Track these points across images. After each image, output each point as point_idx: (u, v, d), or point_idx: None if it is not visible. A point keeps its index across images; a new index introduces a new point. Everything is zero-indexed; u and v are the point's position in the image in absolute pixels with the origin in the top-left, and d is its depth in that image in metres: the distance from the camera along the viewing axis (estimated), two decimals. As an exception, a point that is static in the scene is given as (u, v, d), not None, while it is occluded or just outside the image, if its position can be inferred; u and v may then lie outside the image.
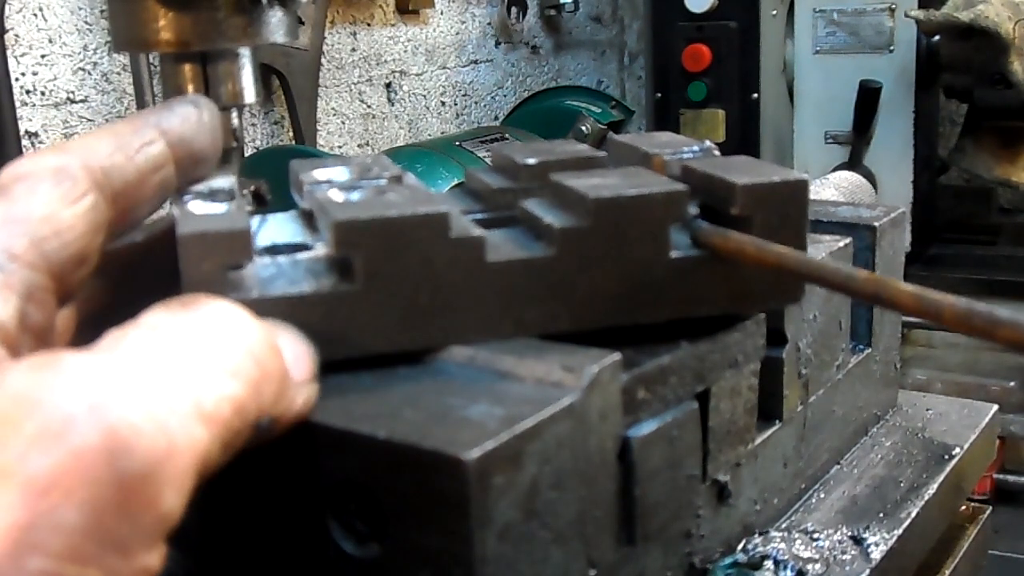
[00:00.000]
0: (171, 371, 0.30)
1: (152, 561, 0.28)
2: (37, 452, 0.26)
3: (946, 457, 0.66)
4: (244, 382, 0.32)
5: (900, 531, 0.57)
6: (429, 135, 2.55)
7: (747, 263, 0.44)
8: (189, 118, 0.42)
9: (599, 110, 2.48)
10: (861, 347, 0.66)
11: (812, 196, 0.50)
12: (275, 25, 0.56)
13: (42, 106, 1.76)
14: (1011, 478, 2.28)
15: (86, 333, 0.37)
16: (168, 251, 0.40)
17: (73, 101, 1.80)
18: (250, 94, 0.58)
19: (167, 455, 0.28)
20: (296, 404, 0.35)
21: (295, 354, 0.36)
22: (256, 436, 0.33)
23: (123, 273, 0.44)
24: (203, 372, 0.31)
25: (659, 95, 2.64)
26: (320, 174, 0.48)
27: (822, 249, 0.59)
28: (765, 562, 0.53)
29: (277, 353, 0.34)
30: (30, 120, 1.74)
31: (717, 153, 0.54)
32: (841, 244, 0.60)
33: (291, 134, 2.15)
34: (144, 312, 0.32)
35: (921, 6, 2.22)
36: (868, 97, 2.27)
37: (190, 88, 0.57)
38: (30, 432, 0.26)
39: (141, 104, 1.83)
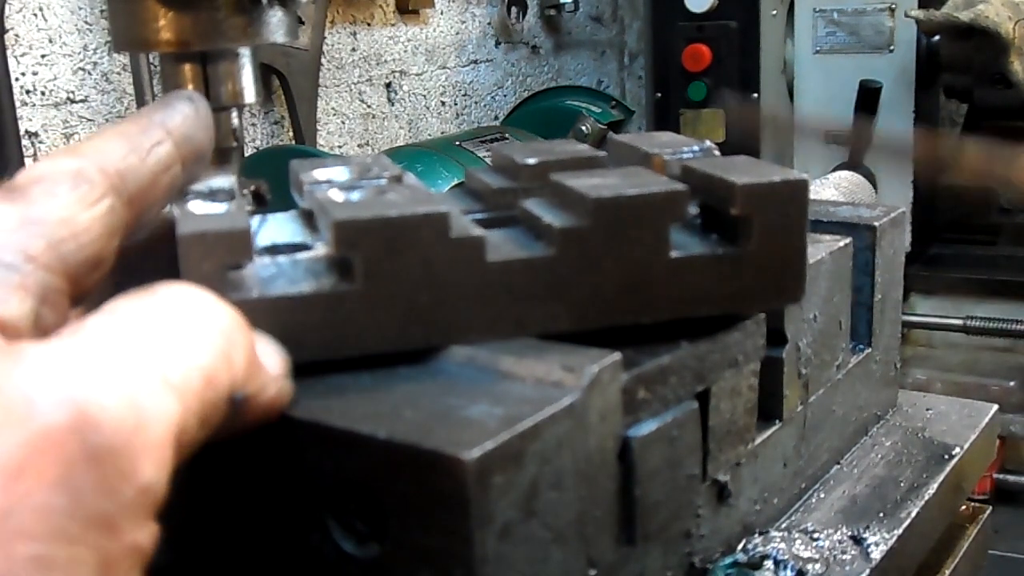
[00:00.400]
0: (133, 347, 0.30)
1: (142, 538, 0.28)
2: (3, 438, 0.26)
3: (946, 457, 0.66)
4: (211, 352, 0.32)
5: (900, 531, 0.57)
6: (429, 135, 2.55)
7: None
8: (189, 115, 0.42)
9: (599, 110, 2.49)
10: (861, 347, 0.66)
11: (812, 196, 0.50)
12: (275, 25, 0.56)
13: (42, 106, 1.76)
14: (1011, 478, 2.28)
15: None
16: (169, 250, 0.40)
17: (73, 101, 1.80)
18: (250, 94, 0.58)
19: (137, 426, 0.28)
20: (270, 389, 0.36)
21: (266, 349, 0.36)
22: (234, 414, 0.33)
23: (124, 273, 0.44)
24: (167, 345, 0.31)
25: (659, 95, 2.64)
26: (320, 174, 0.48)
27: (822, 249, 0.59)
28: (765, 562, 0.53)
29: (242, 327, 0.34)
30: (30, 120, 1.74)
31: (717, 153, 0.54)
32: (841, 244, 0.60)
33: (291, 134, 2.15)
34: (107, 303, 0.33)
35: (921, 6, 2.22)
36: (868, 97, 2.27)
37: (190, 87, 0.57)
38: None
39: (141, 104, 1.83)
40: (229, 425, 0.33)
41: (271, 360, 0.36)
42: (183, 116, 0.42)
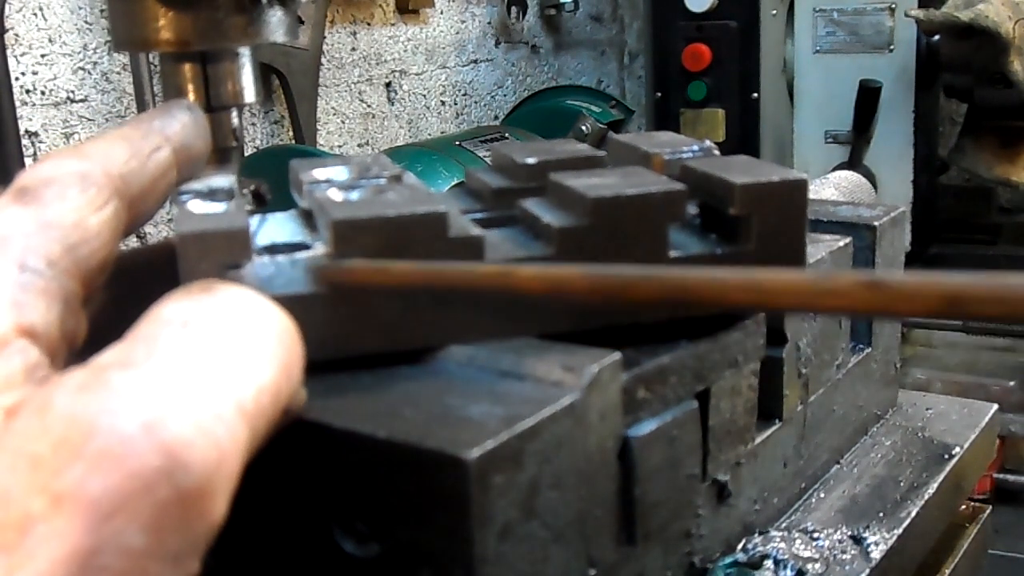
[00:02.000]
0: (211, 372, 0.30)
1: (197, 567, 0.28)
2: (98, 476, 0.26)
3: (946, 457, 0.66)
4: (276, 368, 0.31)
5: (900, 531, 0.57)
6: (429, 135, 2.55)
7: (374, 290, 0.41)
8: (188, 123, 0.43)
9: (599, 110, 2.49)
10: (861, 347, 0.66)
11: (812, 195, 0.50)
12: (275, 25, 0.56)
13: (42, 106, 1.76)
14: (1011, 478, 2.28)
15: (93, 335, 0.37)
16: (167, 250, 0.40)
17: (73, 101, 1.80)
18: (250, 94, 0.58)
19: (218, 464, 0.28)
20: (303, 395, 0.35)
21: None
22: (282, 422, 0.33)
23: (121, 273, 0.44)
24: (240, 367, 0.30)
25: (659, 95, 2.64)
26: (320, 173, 0.47)
27: (822, 249, 0.59)
28: (765, 562, 0.53)
29: (297, 335, 0.33)
30: (30, 120, 1.74)
31: (717, 153, 0.54)
32: (841, 244, 0.60)
33: (291, 134, 2.15)
34: (164, 300, 0.32)
35: (921, 6, 2.22)
36: (868, 97, 2.28)
37: (190, 88, 0.57)
38: (89, 456, 0.26)
39: (141, 104, 1.83)
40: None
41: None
42: (182, 124, 0.42)
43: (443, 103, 2.64)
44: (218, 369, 0.30)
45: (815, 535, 0.56)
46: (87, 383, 0.28)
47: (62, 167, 0.36)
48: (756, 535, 0.55)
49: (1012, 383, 2.30)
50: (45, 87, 1.76)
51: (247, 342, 0.31)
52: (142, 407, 0.28)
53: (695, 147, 0.54)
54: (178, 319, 0.31)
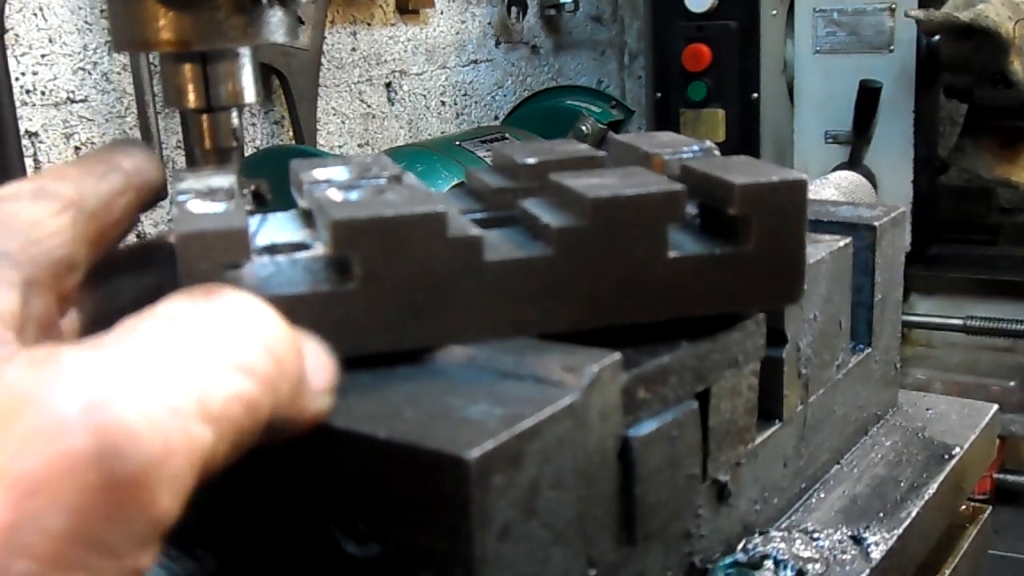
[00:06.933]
0: (178, 366, 0.29)
1: (143, 562, 0.28)
2: (27, 453, 0.26)
3: (946, 457, 0.66)
4: (259, 380, 0.31)
5: (900, 531, 0.57)
6: (429, 135, 2.55)
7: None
8: (138, 153, 0.44)
9: (599, 110, 2.48)
10: (861, 347, 0.66)
11: (812, 196, 0.50)
12: (275, 25, 0.56)
13: (42, 106, 1.76)
14: (1011, 478, 2.28)
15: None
16: (169, 253, 0.41)
17: (73, 101, 1.80)
18: (250, 94, 0.58)
19: (162, 457, 0.27)
20: (310, 410, 0.35)
21: (317, 362, 0.35)
22: (268, 437, 0.33)
23: (123, 275, 0.44)
24: (214, 368, 0.30)
25: (659, 95, 2.64)
26: (320, 173, 0.47)
27: (822, 249, 0.59)
28: (765, 562, 0.53)
29: (296, 352, 0.33)
30: (30, 120, 1.74)
31: (717, 153, 0.54)
32: (841, 244, 0.60)
33: (291, 134, 2.15)
34: (163, 300, 0.32)
35: (921, 6, 2.22)
36: (868, 97, 2.27)
37: (190, 88, 0.57)
38: (22, 432, 0.26)
39: (141, 104, 1.83)
40: (259, 445, 0.33)
41: (320, 375, 0.35)
42: (131, 153, 0.44)
43: (443, 103, 2.64)
44: (187, 366, 0.29)
45: (815, 535, 0.56)
46: (39, 359, 0.28)
47: (14, 188, 0.38)
48: (756, 535, 0.55)
49: (1012, 383, 2.30)
50: (45, 87, 1.76)
51: (228, 347, 0.31)
52: (87, 387, 0.27)
53: (695, 147, 0.54)
54: (166, 315, 0.31)
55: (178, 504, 0.28)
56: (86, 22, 1.81)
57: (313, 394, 0.35)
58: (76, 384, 0.27)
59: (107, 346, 0.29)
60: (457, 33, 2.66)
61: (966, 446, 0.67)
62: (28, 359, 0.28)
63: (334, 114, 2.33)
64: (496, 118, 2.78)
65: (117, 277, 0.44)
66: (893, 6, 2.27)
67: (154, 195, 0.45)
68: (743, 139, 2.52)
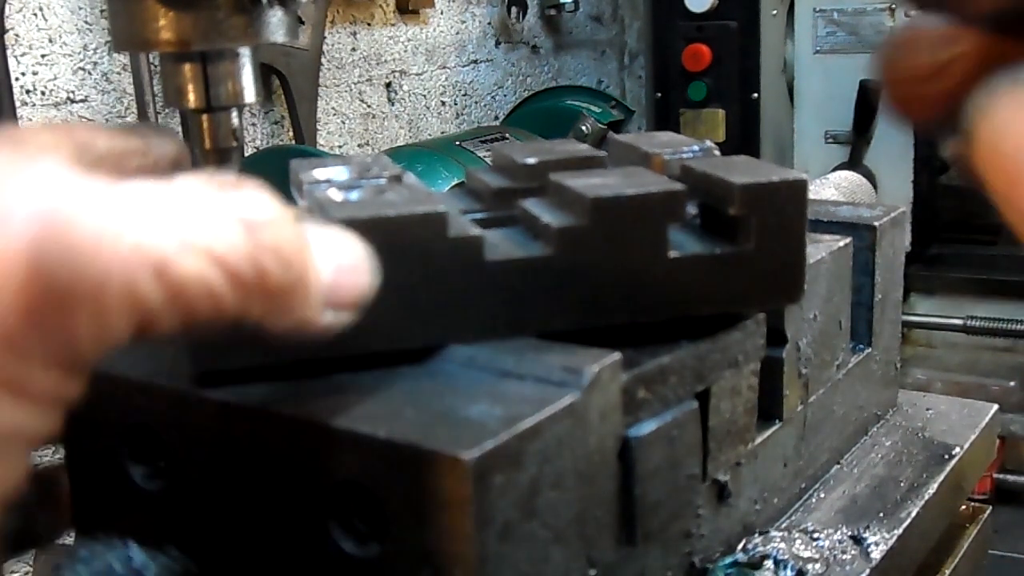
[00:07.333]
0: (154, 221, 0.28)
1: (60, 389, 0.28)
2: None
3: (946, 457, 0.66)
4: (229, 279, 0.29)
5: (900, 531, 0.57)
6: (429, 135, 2.55)
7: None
8: (163, 132, 0.44)
9: (599, 110, 2.48)
10: (861, 347, 0.66)
11: (812, 196, 0.50)
12: (275, 25, 0.56)
13: (42, 106, 1.76)
14: (1011, 478, 2.28)
15: None
16: None
17: (73, 101, 1.80)
18: (250, 94, 0.58)
19: (96, 287, 0.27)
20: (317, 322, 0.32)
21: (346, 267, 0.33)
22: (257, 325, 0.31)
23: None
24: (188, 244, 0.28)
25: (659, 95, 2.64)
26: (320, 173, 0.47)
27: (822, 249, 0.59)
28: (765, 562, 0.53)
29: (297, 266, 0.30)
30: (30, 120, 1.74)
31: (717, 153, 0.54)
32: (841, 244, 0.60)
33: (291, 134, 2.15)
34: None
35: (921, 6, 2.21)
36: (868, 97, 2.27)
37: (190, 88, 0.57)
38: None
39: (141, 104, 1.83)
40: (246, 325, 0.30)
41: (347, 282, 0.33)
42: (158, 131, 0.44)
43: (443, 103, 2.64)
44: (163, 225, 0.28)
45: (815, 535, 0.56)
46: (19, 160, 0.29)
47: (34, 125, 0.40)
48: (756, 535, 0.55)
49: (1012, 383, 2.30)
50: (45, 87, 1.76)
51: (211, 233, 0.29)
52: (49, 193, 0.28)
53: (695, 147, 0.54)
54: (177, 182, 0.30)
55: (99, 346, 0.28)
56: (86, 22, 1.81)
57: (319, 306, 0.32)
58: (38, 187, 0.27)
59: (97, 179, 0.29)
60: (457, 33, 2.66)
61: (966, 446, 0.67)
62: (8, 157, 0.28)
63: (334, 114, 2.32)
64: (496, 118, 2.78)
65: None
66: (893, 6, 2.27)
67: (173, 172, 0.45)
68: (743, 139, 2.52)
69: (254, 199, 0.30)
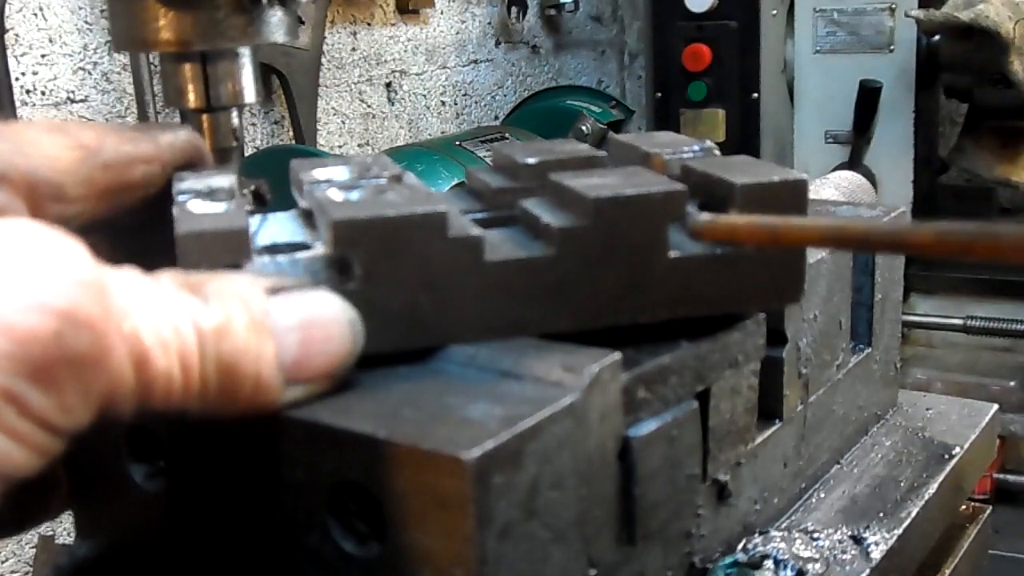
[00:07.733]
0: (140, 314, 0.30)
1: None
2: None
3: (946, 457, 0.66)
4: (185, 383, 0.32)
5: (900, 531, 0.57)
6: (429, 135, 2.55)
7: (743, 242, 0.44)
8: (179, 132, 0.45)
9: (599, 110, 2.48)
10: (861, 347, 0.66)
11: (812, 196, 0.50)
12: (275, 25, 0.56)
13: (42, 106, 1.76)
14: (1011, 478, 2.28)
15: None
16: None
17: (73, 101, 1.80)
18: (250, 94, 0.58)
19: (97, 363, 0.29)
20: (274, 402, 0.34)
21: (317, 338, 0.35)
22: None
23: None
24: (163, 342, 0.31)
25: (659, 95, 2.64)
26: (320, 173, 0.47)
27: (822, 249, 0.59)
28: (765, 562, 0.53)
29: (250, 365, 0.33)
30: (30, 120, 1.74)
31: (717, 153, 0.54)
32: (841, 244, 0.60)
33: (291, 134, 2.15)
34: None
35: (921, 6, 2.22)
36: (868, 97, 2.27)
37: (190, 88, 0.57)
38: None
39: (141, 104, 1.83)
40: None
41: (320, 355, 0.35)
42: (174, 131, 0.45)
43: (443, 103, 2.64)
44: None
45: (815, 535, 0.56)
46: None
47: (42, 120, 0.41)
48: (756, 535, 0.55)
49: (1012, 383, 2.29)
50: (45, 87, 1.76)
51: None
52: None
53: (695, 147, 0.54)
54: None
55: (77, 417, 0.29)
56: (86, 22, 1.81)
57: (278, 388, 0.34)
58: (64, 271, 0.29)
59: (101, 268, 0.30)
60: (457, 33, 2.66)
61: (966, 446, 0.67)
62: None
63: (334, 114, 2.32)
64: (496, 118, 2.78)
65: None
66: (893, 6, 2.27)
67: (188, 170, 0.45)
68: (743, 139, 2.52)
69: (216, 296, 0.33)
